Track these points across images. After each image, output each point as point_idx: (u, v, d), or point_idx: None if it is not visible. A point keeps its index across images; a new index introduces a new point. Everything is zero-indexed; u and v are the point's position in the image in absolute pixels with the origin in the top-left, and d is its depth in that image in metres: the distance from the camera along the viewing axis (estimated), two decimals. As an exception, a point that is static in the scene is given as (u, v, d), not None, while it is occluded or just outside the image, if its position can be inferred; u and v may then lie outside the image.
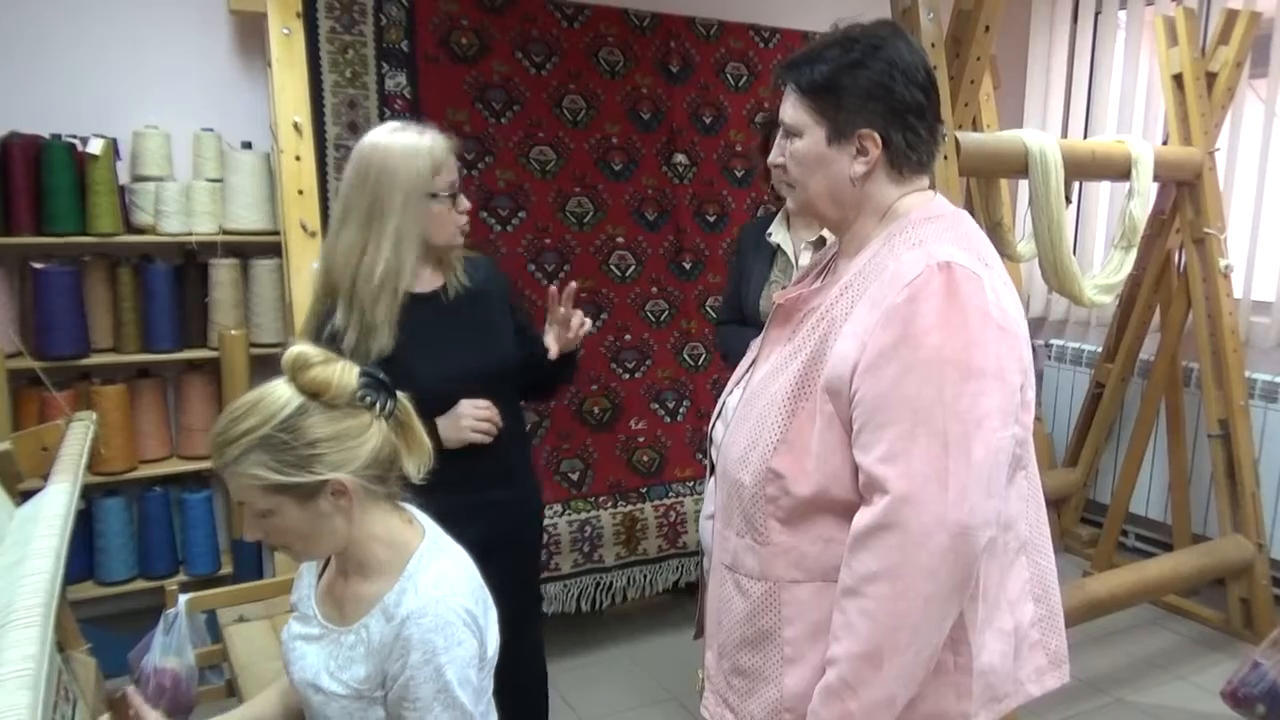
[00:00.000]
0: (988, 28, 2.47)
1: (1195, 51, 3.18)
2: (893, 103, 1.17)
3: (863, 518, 1.10)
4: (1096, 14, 3.96)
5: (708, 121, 3.31)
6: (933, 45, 2.45)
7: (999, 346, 1.10)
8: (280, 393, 1.14)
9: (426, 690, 1.16)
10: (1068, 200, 2.64)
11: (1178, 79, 3.19)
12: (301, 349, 1.16)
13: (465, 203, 1.72)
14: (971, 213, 3.29)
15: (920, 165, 1.22)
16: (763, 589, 1.20)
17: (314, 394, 1.14)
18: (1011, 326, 1.13)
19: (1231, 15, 3.17)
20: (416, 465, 1.23)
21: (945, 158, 2.44)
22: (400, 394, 1.22)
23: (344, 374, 1.16)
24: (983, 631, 1.16)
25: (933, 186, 1.26)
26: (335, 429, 1.14)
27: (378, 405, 1.18)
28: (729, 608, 1.26)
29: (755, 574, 1.21)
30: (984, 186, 3.00)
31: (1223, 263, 3.14)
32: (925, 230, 1.17)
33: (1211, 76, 3.21)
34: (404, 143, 1.64)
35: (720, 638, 1.27)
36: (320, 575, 1.34)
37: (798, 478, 1.16)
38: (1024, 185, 2.90)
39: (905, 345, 1.09)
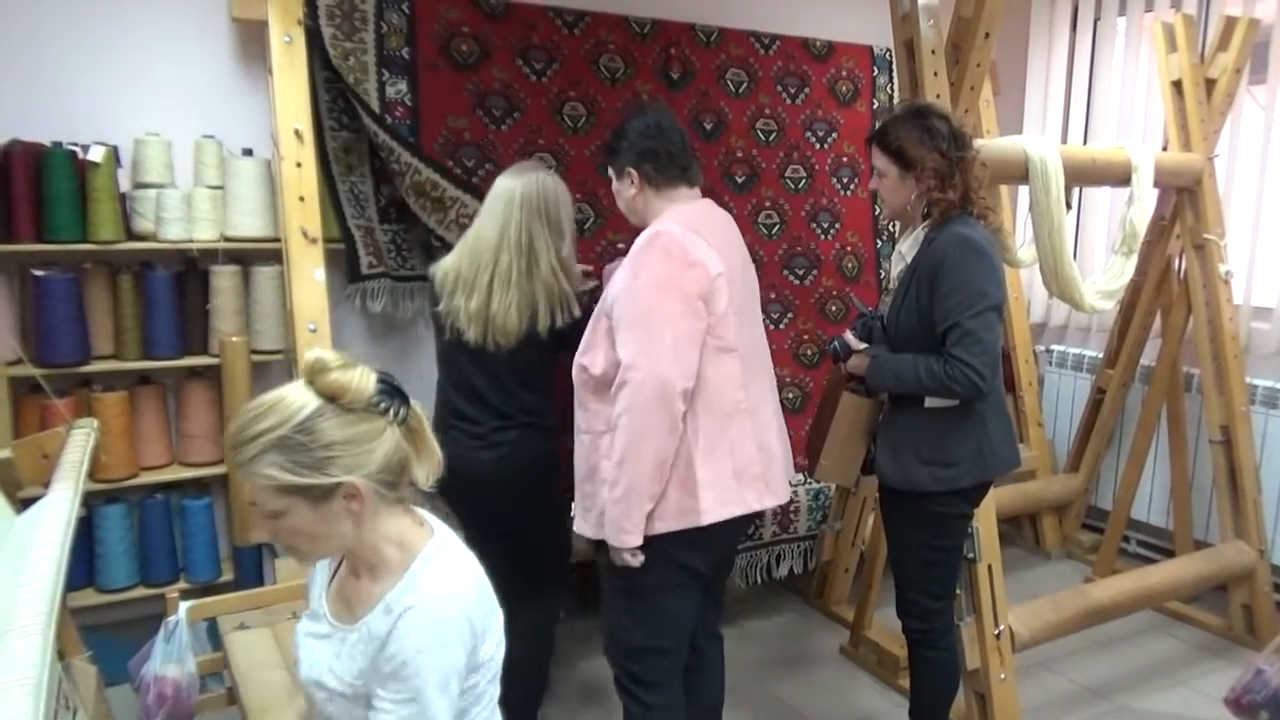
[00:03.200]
0: (987, 34, 2.48)
1: (1194, 58, 3.19)
2: (635, 150, 1.94)
3: (616, 382, 1.81)
4: (1096, 20, 3.97)
5: (708, 128, 3.32)
6: (933, 52, 2.46)
7: (684, 274, 1.80)
8: (298, 395, 1.16)
9: (405, 689, 1.17)
10: (1068, 206, 2.65)
11: (1177, 85, 3.20)
12: (320, 353, 1.18)
13: None
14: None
15: (667, 183, 1.95)
16: (589, 439, 1.92)
17: (331, 397, 1.16)
18: (700, 263, 1.81)
19: (1230, 22, 3.18)
20: (426, 473, 1.25)
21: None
22: (413, 401, 1.24)
23: (361, 379, 1.18)
24: (706, 457, 1.83)
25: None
26: (350, 433, 1.16)
27: (392, 411, 1.20)
28: (577, 455, 1.98)
29: (584, 429, 1.94)
30: (984, 192, 3.00)
31: (1223, 268, 3.15)
32: (662, 218, 1.93)
33: (1211, 83, 3.21)
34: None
35: (576, 475, 1.99)
36: (333, 574, 1.35)
37: (593, 365, 1.89)
38: (1024, 190, 2.90)
39: (632, 278, 1.83)
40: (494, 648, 1.28)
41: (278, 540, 1.22)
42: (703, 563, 1.93)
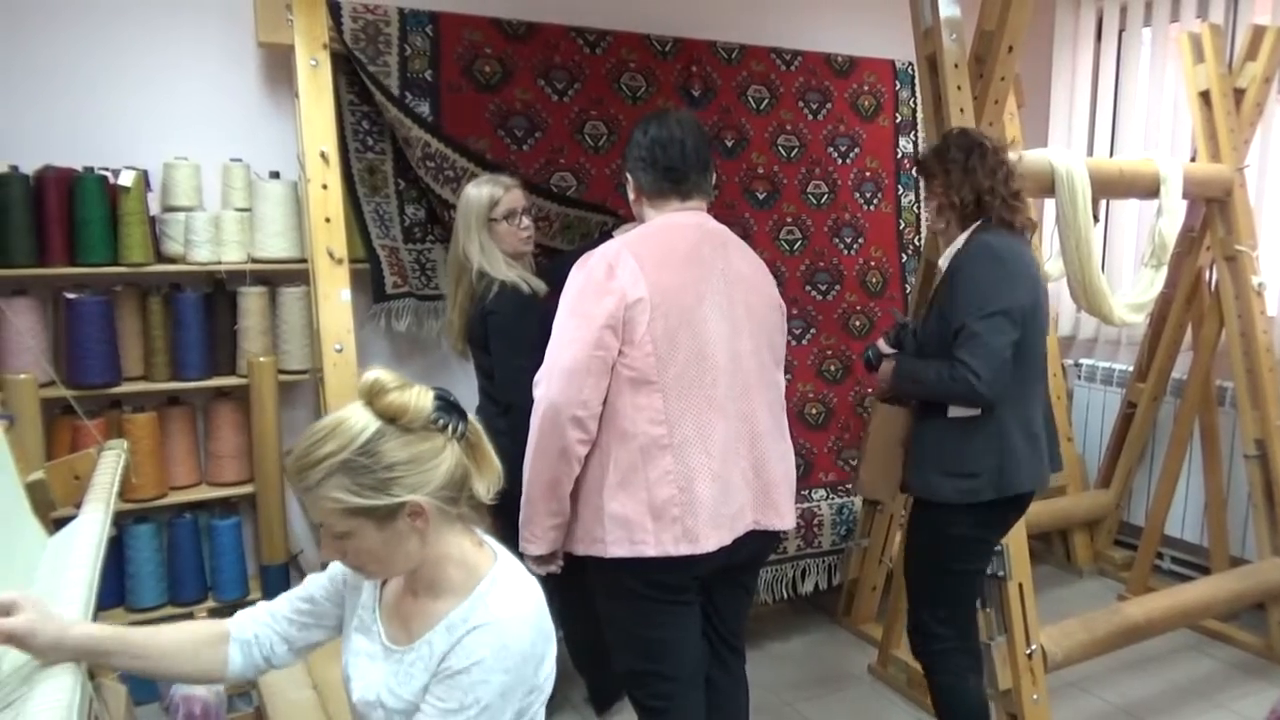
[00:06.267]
0: (1011, 48, 2.47)
1: (1222, 68, 3.15)
2: (634, 157, 1.90)
3: None
4: (1120, 31, 3.94)
5: (729, 144, 3.32)
6: (956, 66, 2.45)
7: (596, 300, 1.73)
8: (358, 417, 1.17)
9: (453, 697, 1.17)
10: (1095, 219, 2.62)
11: (1205, 95, 3.16)
12: (377, 375, 1.18)
13: (526, 221, 2.47)
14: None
15: (658, 194, 1.89)
16: None
17: (391, 418, 1.17)
18: (616, 290, 1.73)
19: (1259, 31, 3.15)
20: (487, 486, 1.26)
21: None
22: (470, 415, 1.25)
23: (419, 398, 1.18)
24: (616, 489, 1.76)
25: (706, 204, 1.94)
26: (412, 452, 1.17)
27: (450, 427, 1.21)
28: None
29: None
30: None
31: (1255, 280, 3.10)
32: (624, 235, 1.89)
33: (1239, 93, 3.18)
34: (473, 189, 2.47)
35: None
36: (381, 589, 1.35)
37: None
38: (1050, 203, 2.87)
39: (563, 296, 1.80)
40: (549, 669, 1.28)
41: (347, 562, 1.22)
42: (643, 584, 1.81)
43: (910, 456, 2.16)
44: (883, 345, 2.22)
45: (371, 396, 1.18)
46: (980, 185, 2.07)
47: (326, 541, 1.20)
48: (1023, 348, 2.02)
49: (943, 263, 2.14)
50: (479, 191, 2.44)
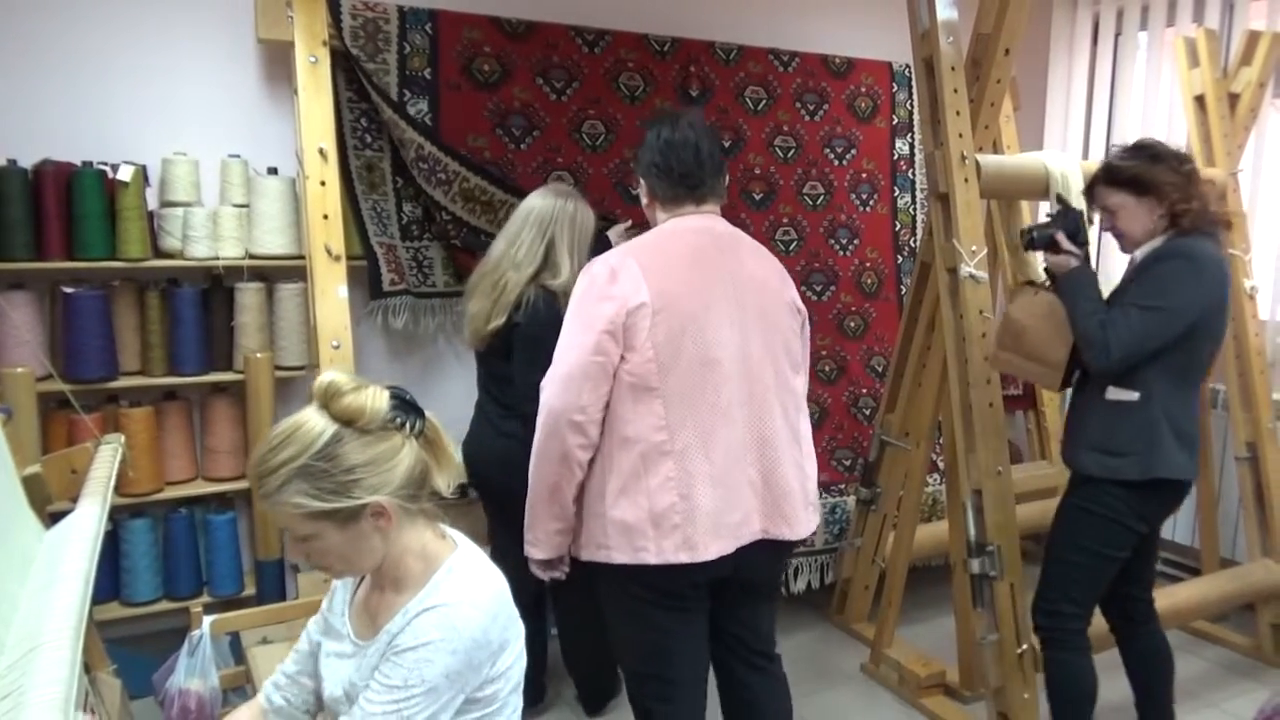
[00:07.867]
0: (1007, 51, 2.48)
1: (1217, 72, 3.17)
2: (645, 162, 1.88)
3: None
4: (1116, 35, 3.96)
5: (726, 145, 3.33)
6: (952, 68, 2.46)
7: (596, 306, 1.72)
8: (314, 422, 1.16)
9: (397, 674, 1.17)
10: (1089, 222, 2.63)
11: (1199, 100, 3.18)
12: (333, 377, 1.18)
13: None
14: (991, 234, 3.32)
15: (672, 200, 1.87)
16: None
17: (348, 421, 1.17)
18: (617, 295, 1.72)
19: (1254, 36, 3.16)
20: (447, 480, 1.26)
21: (966, 180, 2.44)
22: (428, 412, 1.25)
23: (375, 399, 1.18)
24: (618, 496, 1.74)
25: (713, 208, 1.90)
26: (371, 453, 1.17)
27: (408, 425, 1.21)
28: None
29: None
30: (1005, 208, 3.00)
31: (1248, 284, 3.12)
32: (630, 241, 1.88)
33: (1234, 97, 3.19)
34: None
35: None
36: (354, 590, 1.36)
37: None
38: (1044, 206, 2.88)
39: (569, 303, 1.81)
40: (514, 658, 1.29)
41: (311, 563, 1.23)
42: (646, 591, 1.80)
43: (1068, 433, 2.25)
44: (1062, 239, 2.20)
45: (327, 399, 1.17)
46: (1203, 195, 2.11)
47: (291, 544, 1.21)
48: (1185, 351, 2.07)
49: (1139, 254, 2.17)
50: (587, 212, 2.43)
